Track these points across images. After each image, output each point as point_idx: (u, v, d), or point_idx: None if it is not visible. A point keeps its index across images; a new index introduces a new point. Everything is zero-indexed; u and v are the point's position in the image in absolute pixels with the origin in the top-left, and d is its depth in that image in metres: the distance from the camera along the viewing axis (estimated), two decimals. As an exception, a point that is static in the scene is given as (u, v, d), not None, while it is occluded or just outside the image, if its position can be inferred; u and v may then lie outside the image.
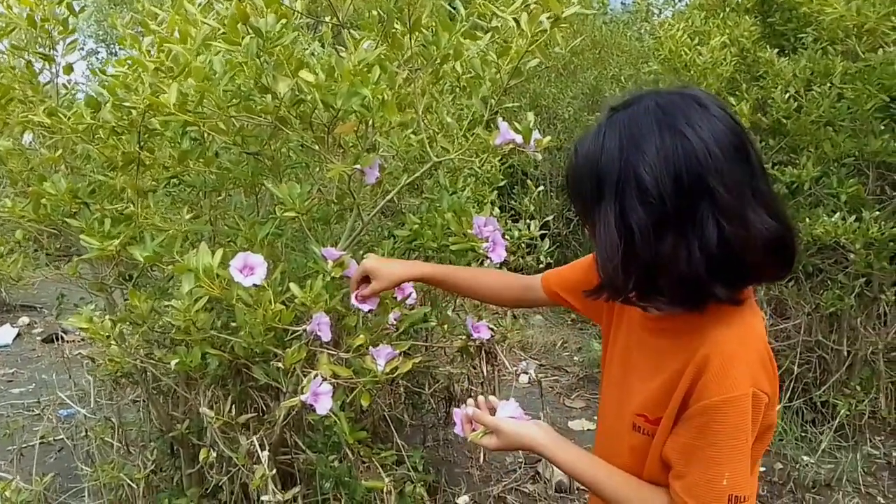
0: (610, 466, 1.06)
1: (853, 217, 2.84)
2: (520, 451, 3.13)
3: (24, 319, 6.30)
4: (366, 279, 1.38)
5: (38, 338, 5.77)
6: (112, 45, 9.51)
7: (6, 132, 1.87)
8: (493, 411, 1.11)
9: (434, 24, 1.61)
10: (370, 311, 1.39)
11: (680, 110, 0.90)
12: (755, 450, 0.98)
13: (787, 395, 3.39)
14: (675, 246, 0.89)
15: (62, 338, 5.52)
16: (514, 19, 1.52)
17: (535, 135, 1.44)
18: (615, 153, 0.91)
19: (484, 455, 3.12)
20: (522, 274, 1.46)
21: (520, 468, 3.14)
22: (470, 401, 1.12)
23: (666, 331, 1.02)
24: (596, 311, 1.22)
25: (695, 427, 0.94)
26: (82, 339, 5.46)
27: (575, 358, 4.64)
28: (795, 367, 3.37)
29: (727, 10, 3.57)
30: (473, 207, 1.86)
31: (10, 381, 4.76)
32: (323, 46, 1.92)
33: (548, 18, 1.48)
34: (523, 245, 2.30)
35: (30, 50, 1.80)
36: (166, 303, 1.44)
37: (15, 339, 5.73)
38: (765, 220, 0.89)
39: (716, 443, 0.92)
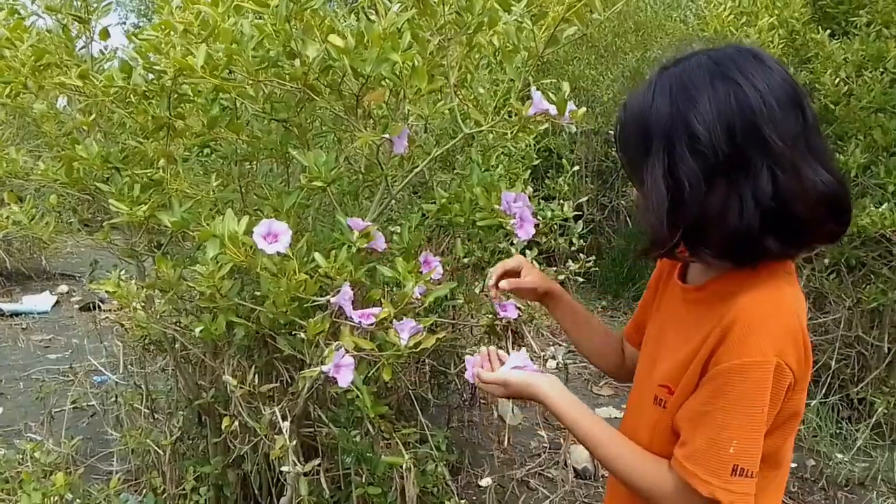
0: (615, 430, 1.03)
1: (901, 208, 2.72)
2: (545, 436, 3.10)
3: (63, 287, 6.45)
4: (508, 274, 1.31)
5: (76, 306, 5.91)
6: (151, 18, 9.62)
7: (42, 96, 1.88)
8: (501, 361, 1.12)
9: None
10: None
11: (734, 62, 0.88)
12: (776, 438, 0.93)
13: (823, 391, 3.29)
14: (727, 197, 0.86)
15: (99, 306, 5.65)
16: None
17: (570, 106, 1.38)
18: (665, 105, 0.89)
19: (508, 438, 3.10)
20: (554, 258, 1.41)
21: (544, 452, 3.11)
22: (483, 349, 1.12)
23: (700, 301, 0.99)
24: (645, 307, 1.21)
25: (708, 391, 0.90)
26: (119, 308, 5.58)
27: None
28: (833, 363, 3.27)
29: (776, -10, 3.44)
30: (505, 185, 1.81)
31: (48, 346, 4.88)
32: (357, 18, 1.88)
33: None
34: (556, 226, 2.25)
35: (65, 12, 1.80)
36: (192, 269, 1.43)
37: (54, 306, 5.87)
38: (820, 174, 0.87)
39: (726, 407, 0.87)
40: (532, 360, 1.11)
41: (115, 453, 2.50)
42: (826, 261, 3.26)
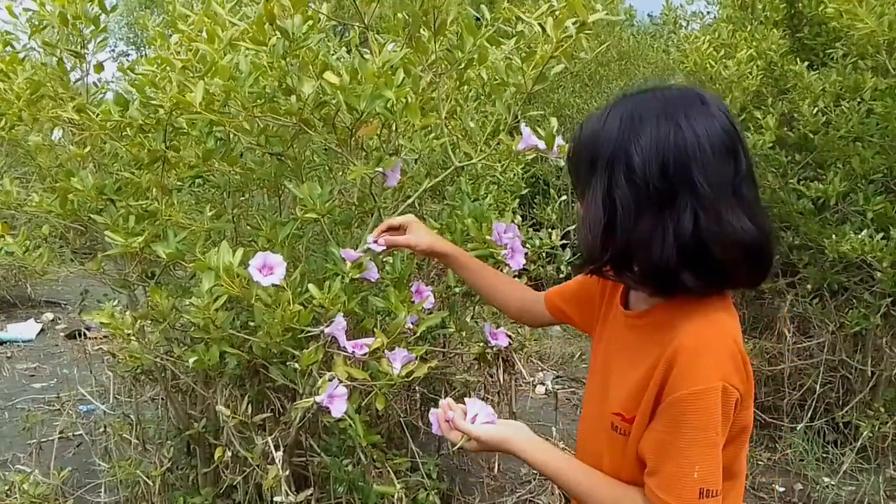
0: (585, 466, 1.06)
1: (880, 235, 2.78)
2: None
3: (48, 315, 6.39)
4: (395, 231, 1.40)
5: (62, 333, 5.85)
6: (142, 48, 9.69)
7: (36, 128, 1.90)
8: (463, 412, 1.13)
9: (459, 28, 1.61)
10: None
11: (682, 104, 0.95)
12: (729, 451, 0.98)
13: (809, 415, 3.33)
14: (652, 227, 0.93)
15: (85, 334, 5.60)
16: (540, 24, 1.52)
17: (559, 141, 1.43)
18: (614, 132, 0.96)
19: (498, 465, 3.10)
20: (542, 284, 1.46)
21: (534, 479, 3.11)
22: (443, 402, 1.13)
23: (643, 327, 1.04)
24: (590, 323, 1.24)
25: (666, 421, 0.95)
26: (104, 336, 5.53)
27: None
28: (818, 387, 3.31)
29: (755, 23, 3.53)
30: (495, 214, 1.85)
31: (33, 375, 4.82)
32: (349, 51, 1.93)
33: (573, 24, 1.48)
34: (544, 255, 2.29)
35: (61, 47, 1.83)
36: (187, 301, 1.45)
37: (38, 334, 5.81)
38: (742, 222, 0.92)
39: (685, 435, 0.92)
40: (489, 404, 1.15)
41: (103, 484, 2.47)
42: (809, 286, 3.32)
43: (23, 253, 1.69)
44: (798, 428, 3.29)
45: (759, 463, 3.33)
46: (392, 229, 1.40)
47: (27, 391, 4.44)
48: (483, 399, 2.57)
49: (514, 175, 2.29)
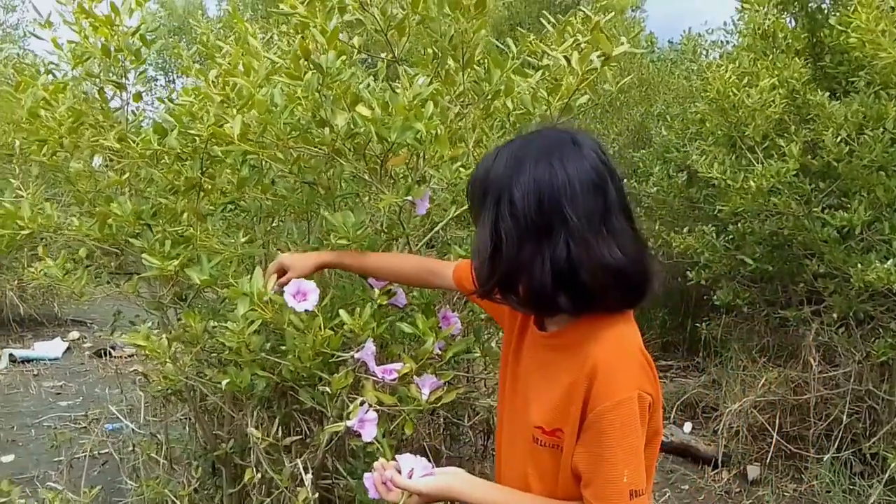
0: (524, 493, 1.12)
1: (907, 264, 2.77)
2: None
3: (74, 334, 6.50)
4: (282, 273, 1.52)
5: (87, 352, 5.95)
6: (170, 73, 9.92)
7: (76, 155, 1.97)
8: (398, 469, 1.15)
9: (486, 61, 1.66)
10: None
11: (556, 145, 1.06)
12: (646, 452, 1.06)
13: (835, 445, 3.28)
14: (532, 255, 1.03)
15: (110, 353, 5.69)
16: (565, 57, 1.56)
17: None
18: (500, 172, 1.07)
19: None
20: None
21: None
22: (377, 464, 1.16)
23: (556, 346, 1.12)
24: (496, 311, 1.31)
25: (592, 434, 1.03)
26: (130, 356, 5.62)
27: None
28: (844, 417, 3.27)
29: (776, 51, 3.56)
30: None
31: (59, 393, 4.91)
32: (376, 80, 1.99)
33: (598, 57, 1.52)
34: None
35: (103, 78, 1.91)
36: (221, 324, 1.49)
37: (65, 352, 5.92)
38: (611, 250, 1.03)
39: (612, 444, 1.01)
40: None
41: (129, 503, 2.51)
42: (834, 315, 3.29)
43: (62, 275, 1.75)
44: (824, 459, 3.24)
45: (786, 494, 3.29)
46: (279, 273, 1.52)
47: (53, 409, 4.52)
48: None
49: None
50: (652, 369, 1.06)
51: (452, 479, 1.13)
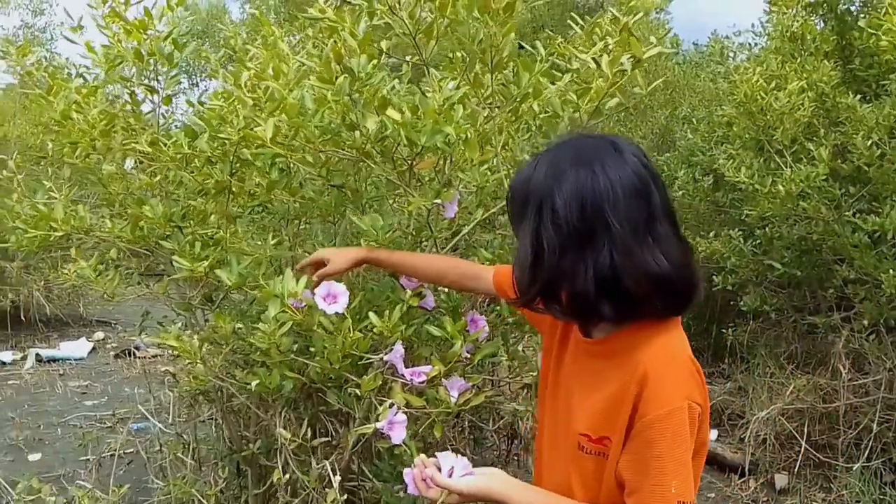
0: (565, 498, 1.10)
1: (940, 269, 2.72)
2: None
3: (99, 334, 6.60)
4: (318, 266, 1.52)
5: (112, 352, 6.03)
6: (194, 76, 10.04)
7: (108, 157, 2.00)
8: (438, 467, 1.13)
9: (514, 64, 1.66)
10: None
11: (596, 151, 1.04)
12: (693, 464, 1.04)
13: (865, 455, 3.22)
14: (574, 263, 1.02)
15: (134, 353, 5.76)
16: (594, 60, 1.55)
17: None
18: (541, 180, 1.05)
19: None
20: None
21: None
22: (417, 460, 1.15)
23: (603, 353, 1.11)
24: (538, 320, 1.29)
25: (640, 443, 1.01)
26: (154, 356, 5.68)
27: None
28: (874, 425, 3.21)
29: (805, 54, 3.51)
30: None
31: (84, 392, 4.97)
32: (401, 83, 1.99)
33: (629, 60, 1.51)
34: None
35: (136, 82, 1.93)
36: (251, 325, 1.50)
37: (90, 352, 6.00)
38: (656, 258, 1.01)
39: (661, 454, 0.99)
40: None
41: (154, 502, 2.53)
42: (865, 322, 3.24)
43: (95, 276, 1.77)
44: (854, 468, 3.19)
45: (814, 503, 3.24)
46: (315, 264, 1.54)
47: (79, 408, 4.58)
48: (531, 430, 2.56)
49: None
50: (701, 378, 1.04)
51: (492, 479, 1.11)
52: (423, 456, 1.16)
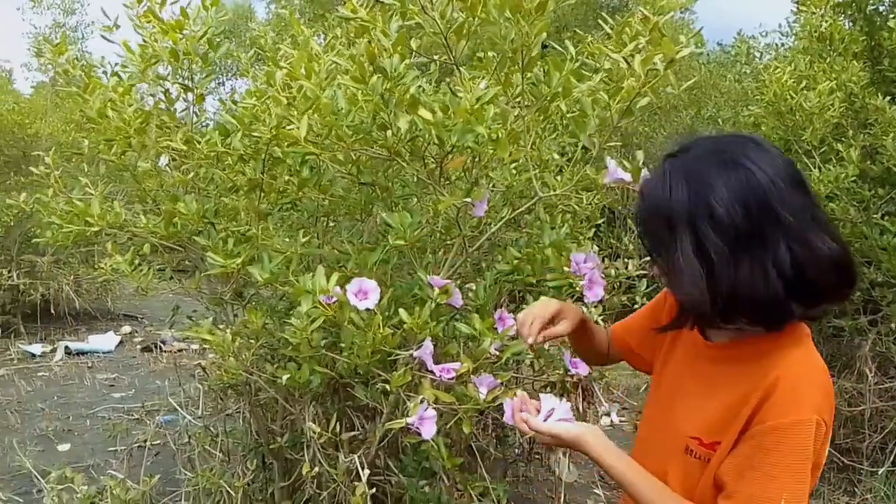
0: (660, 483, 1.06)
1: (971, 273, 2.68)
2: (602, 494, 3.07)
3: (126, 328, 6.71)
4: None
5: (138, 346, 6.13)
6: (220, 75, 10.14)
7: (143, 154, 2.04)
8: (536, 409, 1.15)
9: (545, 63, 1.66)
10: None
11: (738, 148, 1.00)
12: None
13: (891, 459, 3.18)
14: (751, 269, 0.96)
15: (160, 347, 5.86)
16: (626, 60, 1.56)
17: (644, 173, 1.45)
18: (684, 192, 0.99)
19: (564, 495, 3.08)
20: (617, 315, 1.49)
21: (600, 511, 3.08)
22: (519, 393, 1.16)
23: (729, 358, 1.07)
24: (652, 352, 1.27)
25: (755, 447, 0.97)
26: (179, 350, 5.77)
27: (658, 402, 4.51)
28: (901, 429, 3.18)
29: (833, 54, 3.48)
30: (573, 245, 1.88)
31: (112, 385, 5.06)
32: (429, 83, 2.01)
33: (661, 60, 1.51)
34: (618, 285, 2.29)
35: (171, 80, 1.97)
36: (284, 320, 1.53)
37: (117, 346, 6.11)
38: (827, 243, 0.97)
39: (778, 462, 0.94)
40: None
41: (182, 493, 2.58)
42: (893, 325, 3.20)
43: (130, 271, 1.81)
44: (879, 472, 3.15)
45: (838, 507, 3.21)
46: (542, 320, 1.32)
47: (107, 400, 4.67)
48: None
49: (590, 204, 2.31)
50: (832, 399, 1.00)
51: (586, 431, 1.10)
52: (524, 393, 1.17)
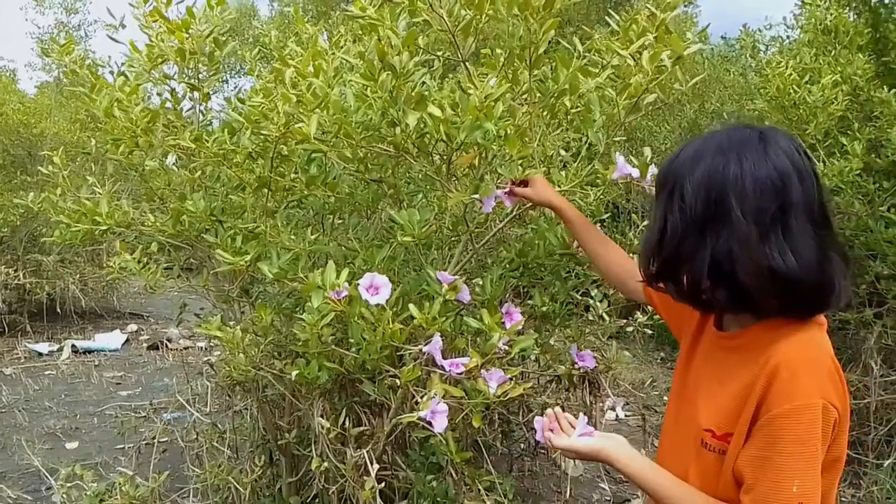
0: (682, 483, 1.08)
1: (977, 266, 2.68)
2: (607, 489, 3.08)
3: (132, 326, 6.73)
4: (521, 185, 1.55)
5: (145, 344, 6.15)
6: (224, 73, 10.12)
7: (150, 154, 2.05)
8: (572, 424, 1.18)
9: (552, 59, 1.67)
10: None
11: (739, 142, 1.03)
12: (825, 481, 0.98)
13: (896, 452, 3.19)
14: (692, 249, 1.02)
15: (166, 345, 5.88)
16: (633, 57, 1.56)
17: (652, 169, 1.46)
18: (681, 163, 1.06)
19: (570, 490, 3.09)
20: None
21: (606, 506, 3.09)
22: (549, 411, 1.20)
23: (733, 347, 1.08)
24: (678, 323, 1.28)
25: (764, 437, 0.97)
26: (185, 348, 5.79)
27: (664, 398, 4.52)
28: (907, 422, 3.18)
29: (838, 47, 3.47)
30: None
31: (119, 383, 5.09)
32: (433, 80, 2.01)
33: (669, 57, 1.51)
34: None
35: (178, 79, 1.98)
36: (292, 317, 1.54)
37: (123, 344, 6.13)
38: (784, 255, 0.97)
39: (784, 450, 0.95)
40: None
41: (190, 490, 2.59)
42: (899, 318, 3.21)
43: (139, 270, 1.82)
44: (885, 465, 3.15)
45: (843, 500, 3.21)
46: (519, 183, 1.54)
47: (114, 398, 4.69)
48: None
49: (595, 199, 2.31)
50: (842, 382, 0.99)
51: (606, 442, 1.14)
52: (558, 409, 1.21)
